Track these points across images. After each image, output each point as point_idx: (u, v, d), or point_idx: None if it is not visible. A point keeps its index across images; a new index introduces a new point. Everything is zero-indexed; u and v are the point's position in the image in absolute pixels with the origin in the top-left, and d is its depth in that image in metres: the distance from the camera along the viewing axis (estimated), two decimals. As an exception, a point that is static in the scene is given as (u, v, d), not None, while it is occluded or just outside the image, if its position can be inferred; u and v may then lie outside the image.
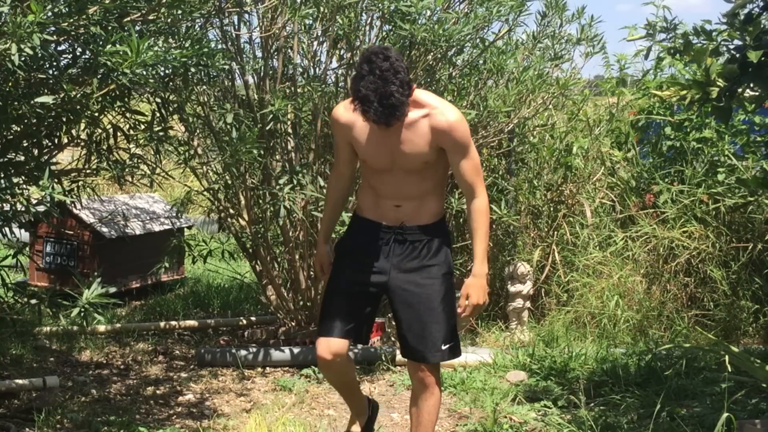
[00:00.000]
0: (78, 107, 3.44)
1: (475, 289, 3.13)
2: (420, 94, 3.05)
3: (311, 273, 5.03)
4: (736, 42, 3.31)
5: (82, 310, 3.19)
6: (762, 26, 3.23)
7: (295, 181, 4.43)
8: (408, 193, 3.11)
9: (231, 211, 5.05)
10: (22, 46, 2.88)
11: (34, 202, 3.24)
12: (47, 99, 3.20)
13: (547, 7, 5.27)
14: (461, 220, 5.95)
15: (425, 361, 3.16)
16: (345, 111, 3.13)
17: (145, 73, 3.28)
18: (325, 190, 4.16)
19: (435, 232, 3.16)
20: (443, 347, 3.15)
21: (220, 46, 4.48)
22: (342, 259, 3.25)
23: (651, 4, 5.39)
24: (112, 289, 3.28)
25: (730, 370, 3.78)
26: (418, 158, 3.05)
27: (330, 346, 3.18)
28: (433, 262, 3.13)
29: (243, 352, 4.86)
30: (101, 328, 5.28)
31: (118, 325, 5.47)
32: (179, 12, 3.52)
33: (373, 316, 3.26)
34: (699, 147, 5.80)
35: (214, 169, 4.98)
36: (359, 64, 2.93)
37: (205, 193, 5.08)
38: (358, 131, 3.09)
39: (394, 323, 3.31)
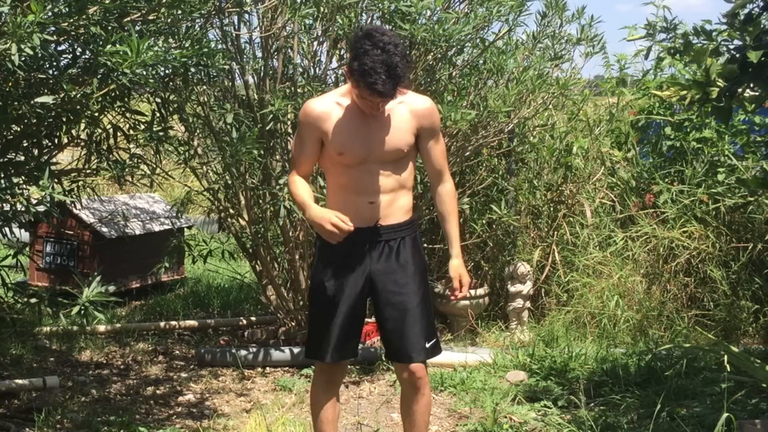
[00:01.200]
0: (78, 107, 3.44)
1: (463, 269, 3.25)
2: None
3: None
4: (736, 42, 3.31)
5: (82, 308, 3.19)
6: (762, 26, 3.23)
7: (295, 181, 4.43)
8: (381, 187, 3.10)
9: (231, 211, 5.05)
10: (22, 46, 2.88)
11: (34, 202, 3.24)
12: (47, 99, 3.21)
13: (547, 7, 5.27)
14: (461, 219, 5.95)
15: (411, 361, 3.14)
16: (319, 103, 3.14)
17: (145, 73, 3.28)
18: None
19: (407, 230, 3.18)
20: (426, 345, 3.14)
21: (220, 46, 4.49)
22: (322, 276, 3.17)
23: (651, 4, 5.41)
24: (112, 288, 3.28)
25: (729, 370, 3.78)
26: (395, 146, 3.08)
27: (331, 373, 3.19)
28: (409, 260, 3.15)
29: (243, 352, 4.86)
30: (101, 328, 5.28)
31: (118, 325, 5.47)
32: (179, 12, 3.52)
33: (362, 322, 3.25)
34: (699, 147, 5.80)
35: (214, 169, 4.98)
36: (357, 42, 2.94)
37: (205, 193, 5.09)
38: (333, 123, 3.08)
39: (378, 327, 3.29)
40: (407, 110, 3.10)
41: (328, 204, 3.21)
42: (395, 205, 3.13)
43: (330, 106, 3.10)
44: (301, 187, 3.13)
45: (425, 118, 3.12)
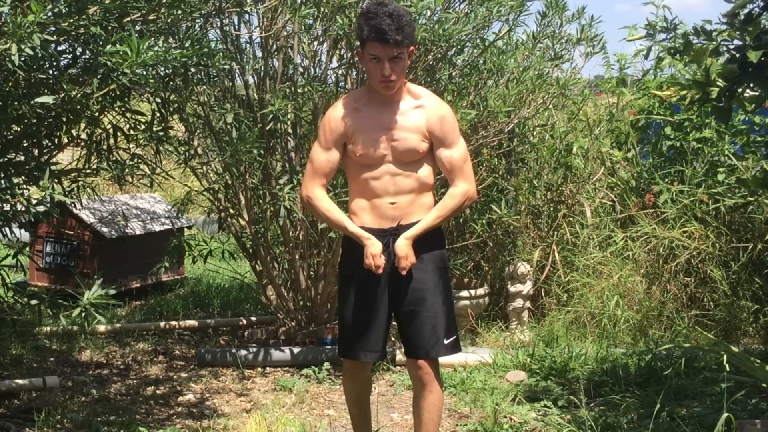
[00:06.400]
0: (78, 107, 3.44)
1: (407, 250, 3.09)
2: (413, 86, 3.18)
3: (311, 273, 5.03)
4: (736, 42, 3.30)
5: (83, 310, 3.19)
6: (762, 26, 3.23)
7: (295, 181, 4.43)
8: (402, 188, 3.12)
9: (231, 211, 5.05)
10: (22, 46, 2.88)
11: (34, 202, 3.24)
12: (47, 99, 3.20)
13: (547, 7, 5.27)
14: (461, 220, 5.96)
15: (427, 357, 3.16)
16: (346, 102, 3.17)
17: (145, 73, 3.29)
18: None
19: None
20: (445, 342, 3.16)
21: (220, 46, 4.48)
22: (347, 279, 3.24)
23: (651, 4, 5.39)
24: (113, 291, 3.28)
25: (729, 370, 3.78)
26: (411, 146, 3.10)
27: (356, 368, 3.28)
28: (429, 257, 3.16)
29: (243, 352, 4.86)
30: (101, 328, 5.28)
31: (118, 325, 5.47)
32: (179, 12, 3.52)
33: (389, 321, 3.26)
34: (699, 147, 5.80)
35: (214, 169, 4.98)
36: (360, 14, 3.07)
37: (205, 193, 5.09)
38: (356, 122, 3.12)
39: (395, 322, 3.31)
40: (422, 114, 3.12)
41: (350, 206, 3.25)
42: (416, 204, 3.15)
43: (349, 110, 3.14)
44: (334, 209, 3.17)
45: (435, 125, 3.11)
